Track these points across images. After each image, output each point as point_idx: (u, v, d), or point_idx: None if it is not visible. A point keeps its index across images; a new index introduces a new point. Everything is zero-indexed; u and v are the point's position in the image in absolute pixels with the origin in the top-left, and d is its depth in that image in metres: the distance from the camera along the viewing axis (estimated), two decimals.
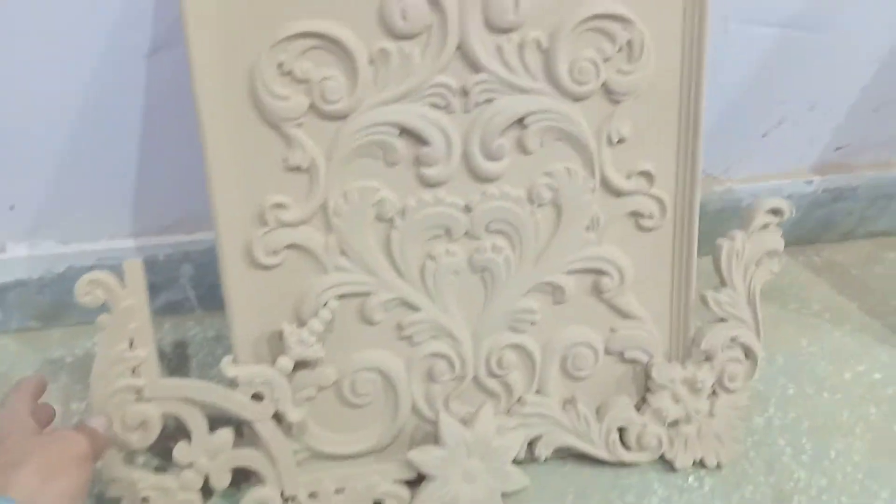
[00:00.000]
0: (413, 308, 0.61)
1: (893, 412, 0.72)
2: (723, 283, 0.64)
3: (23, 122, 0.68)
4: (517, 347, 0.63)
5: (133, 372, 0.57)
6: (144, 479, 0.59)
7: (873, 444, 0.69)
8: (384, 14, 0.53)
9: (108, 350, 0.56)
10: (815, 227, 0.91)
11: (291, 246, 0.57)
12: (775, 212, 0.64)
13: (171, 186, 0.73)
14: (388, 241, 0.58)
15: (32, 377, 0.55)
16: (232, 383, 0.58)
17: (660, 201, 0.61)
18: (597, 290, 0.63)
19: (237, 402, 0.58)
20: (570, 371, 0.65)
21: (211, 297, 0.81)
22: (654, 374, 0.64)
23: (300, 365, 0.59)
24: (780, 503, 0.64)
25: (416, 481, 0.62)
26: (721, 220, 0.86)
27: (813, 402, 0.73)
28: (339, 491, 0.62)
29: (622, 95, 0.58)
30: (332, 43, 0.53)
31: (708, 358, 0.65)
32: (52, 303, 0.78)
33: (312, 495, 0.61)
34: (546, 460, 0.66)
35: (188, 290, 0.79)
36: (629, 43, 0.56)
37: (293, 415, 0.58)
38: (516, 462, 0.63)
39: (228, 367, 0.58)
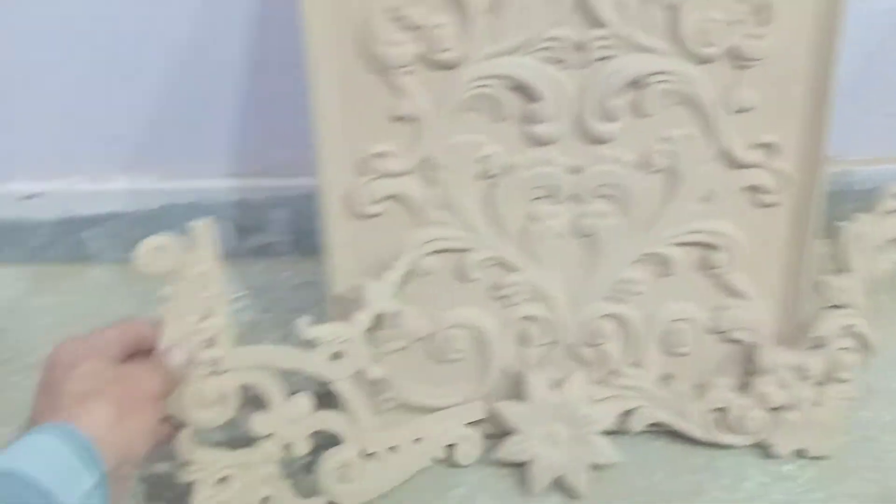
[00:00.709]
0: (511, 269, 0.59)
1: None
2: (841, 268, 0.60)
3: (131, 55, 0.69)
4: (616, 318, 0.61)
5: (208, 343, 0.53)
6: (222, 458, 0.56)
7: None
8: None
9: (177, 323, 0.51)
10: None
11: (392, 196, 0.57)
12: None
13: (272, 130, 0.74)
14: (491, 198, 0.57)
15: (140, 321, 0.51)
16: (309, 344, 0.56)
17: (781, 176, 0.57)
18: (706, 265, 0.60)
19: (316, 364, 0.56)
20: (669, 347, 0.62)
21: (304, 242, 0.81)
22: (759, 356, 0.61)
23: (385, 319, 0.58)
24: (885, 499, 0.60)
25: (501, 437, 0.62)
26: (835, 203, 0.79)
27: None
28: (417, 441, 0.61)
29: (749, 61, 0.54)
30: None
31: (818, 345, 0.61)
32: (146, 238, 0.80)
33: (392, 449, 0.61)
34: (638, 434, 0.64)
35: (282, 234, 0.80)
36: (760, 6, 0.52)
37: (373, 372, 0.57)
38: (606, 432, 0.61)
39: (305, 329, 0.55)
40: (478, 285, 0.60)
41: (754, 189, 0.58)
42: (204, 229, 0.51)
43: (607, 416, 0.61)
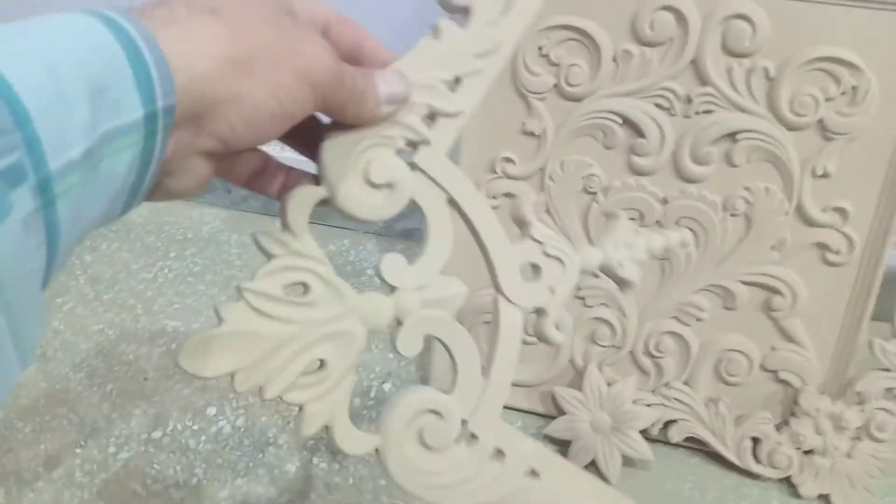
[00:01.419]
0: (592, 274, 0.70)
1: None
2: (894, 333, 0.66)
3: None
4: (677, 337, 0.70)
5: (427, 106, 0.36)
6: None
7: None
8: (636, 21, 0.62)
9: (429, 63, 0.36)
10: None
11: (508, 195, 0.69)
12: None
13: None
14: (588, 211, 0.68)
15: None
16: None
17: (850, 239, 0.65)
18: (767, 307, 0.68)
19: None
20: (721, 374, 0.70)
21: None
22: (801, 400, 0.68)
23: None
24: None
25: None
26: None
27: None
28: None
29: (836, 134, 0.62)
30: (586, 37, 0.63)
31: (861, 402, 0.67)
32: None
33: (499, 453, 0.37)
34: (677, 446, 0.72)
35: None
36: (854, 88, 0.61)
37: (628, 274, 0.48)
38: (648, 438, 0.70)
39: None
40: None
41: (823, 247, 0.65)
42: None
43: (648, 417, 0.70)
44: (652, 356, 0.71)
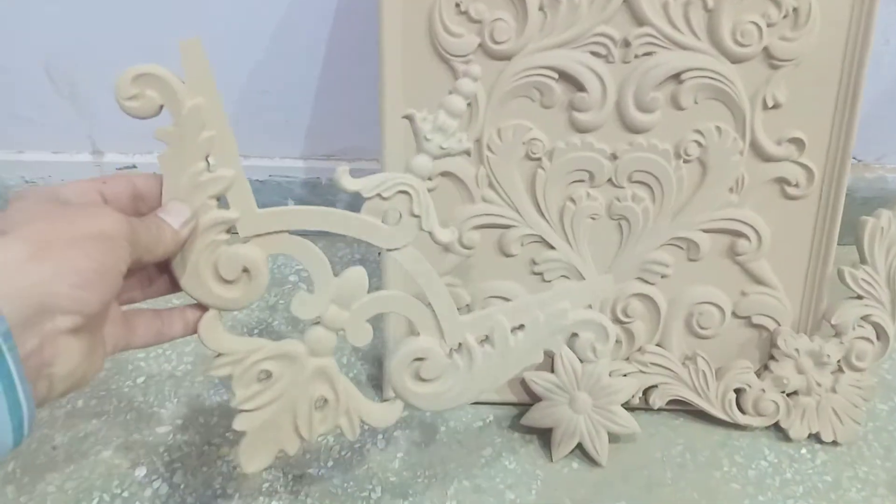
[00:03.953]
0: (549, 246, 0.64)
1: None
2: (862, 260, 0.64)
3: (212, 38, 0.76)
4: (644, 298, 0.66)
5: (218, 202, 0.42)
6: (260, 348, 0.45)
7: None
8: None
9: (177, 174, 0.40)
10: None
11: (446, 173, 0.62)
12: None
13: (343, 116, 0.81)
14: (534, 179, 0.62)
15: (142, 173, 0.42)
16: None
17: (808, 170, 0.61)
18: (732, 252, 0.64)
19: (366, 226, 0.44)
20: (694, 328, 0.67)
21: None
22: (779, 342, 0.65)
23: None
24: (893, 489, 0.64)
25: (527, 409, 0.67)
26: (869, 208, 0.83)
27: None
28: (517, 329, 0.50)
29: (782, 61, 0.58)
30: None
31: (837, 333, 0.65)
32: None
33: (485, 340, 0.49)
34: (659, 411, 0.68)
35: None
36: (795, 10, 0.57)
37: (442, 234, 0.46)
38: (629, 408, 0.66)
39: (344, 178, 0.43)
40: (516, 260, 0.65)
41: (782, 181, 0.62)
42: (192, 47, 0.39)
43: (628, 388, 0.65)
44: (621, 322, 0.67)
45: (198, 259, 0.42)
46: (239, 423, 0.46)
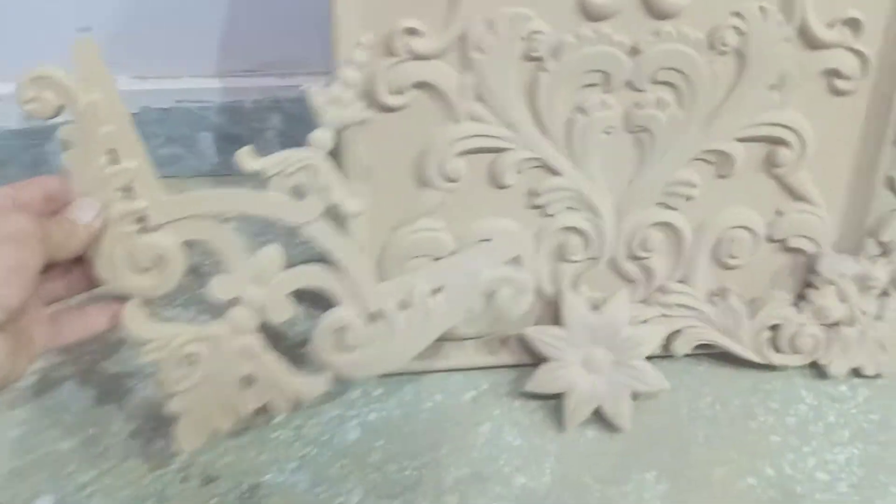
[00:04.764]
0: (552, 171, 0.51)
1: None
2: None
3: None
4: (666, 226, 0.54)
5: (126, 193, 0.43)
6: (183, 332, 0.46)
7: None
8: None
9: (83, 171, 0.42)
10: None
11: (421, 84, 0.47)
12: None
13: (267, 18, 0.63)
14: (535, 85, 0.48)
15: (48, 176, 0.43)
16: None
17: (863, 58, 0.50)
18: (770, 164, 0.53)
19: (273, 204, 0.45)
20: (722, 258, 0.56)
21: None
22: (821, 267, 0.55)
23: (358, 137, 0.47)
24: None
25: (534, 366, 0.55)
26: None
27: None
28: (436, 291, 0.49)
29: None
30: None
31: (885, 252, 0.56)
32: None
33: (404, 303, 0.49)
34: (679, 358, 0.58)
35: (275, 145, 0.69)
36: None
37: (350, 204, 0.46)
38: (648, 357, 0.55)
39: (246, 159, 0.43)
40: (512, 192, 0.52)
41: (832, 74, 0.50)
42: (86, 46, 0.41)
43: (653, 338, 0.55)
44: (638, 258, 0.55)
45: (111, 251, 0.43)
46: (172, 406, 0.47)
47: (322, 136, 0.44)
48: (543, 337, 0.54)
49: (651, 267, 0.55)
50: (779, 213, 0.55)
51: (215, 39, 0.64)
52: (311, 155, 0.44)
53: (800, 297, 0.57)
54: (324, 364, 0.49)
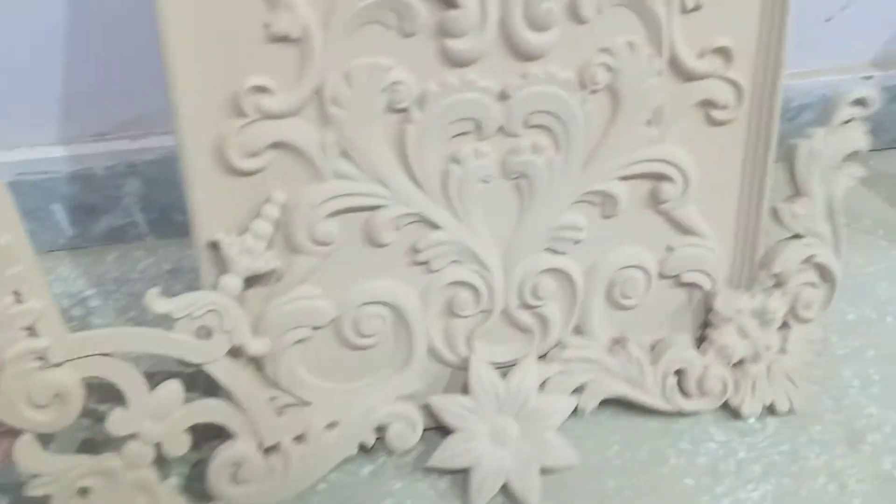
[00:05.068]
0: (431, 226, 0.48)
1: None
2: (798, 191, 0.53)
3: None
4: (556, 272, 0.52)
5: (29, 332, 0.43)
6: (77, 465, 0.46)
7: None
8: None
9: None
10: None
11: (277, 145, 0.44)
12: (861, 102, 0.53)
13: (112, 80, 0.58)
14: (403, 138, 0.45)
15: None
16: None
17: (737, 87, 0.49)
18: (654, 200, 0.51)
19: (178, 344, 0.45)
20: (616, 300, 0.54)
21: (165, 220, 0.66)
22: (717, 304, 0.54)
23: (259, 282, 0.46)
24: (852, 444, 0.55)
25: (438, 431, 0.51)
26: (796, 125, 0.75)
27: (876, 327, 0.64)
28: (331, 426, 0.50)
29: None
30: None
31: (779, 283, 0.54)
32: None
33: (300, 438, 0.49)
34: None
35: (136, 212, 0.64)
36: None
37: (254, 346, 0.46)
38: None
39: (155, 301, 0.44)
40: (392, 250, 0.48)
41: (707, 104, 0.49)
42: None
43: (564, 409, 0.52)
44: (531, 307, 0.52)
45: (10, 387, 0.43)
46: None
47: (230, 283, 0.45)
48: (449, 407, 0.50)
49: (546, 315, 0.52)
50: (669, 248, 0.53)
51: (54, 104, 0.59)
52: (218, 299, 0.45)
53: (701, 337, 0.55)
54: (219, 496, 0.49)
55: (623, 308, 0.54)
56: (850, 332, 0.63)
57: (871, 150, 0.85)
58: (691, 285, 0.55)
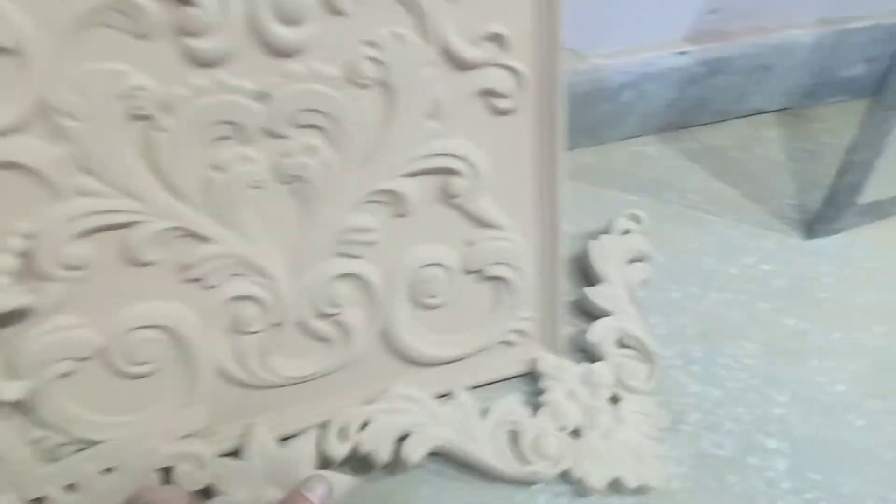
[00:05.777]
0: (200, 239, 0.44)
1: (785, 306, 0.64)
2: (598, 279, 0.55)
3: None
4: (351, 277, 0.49)
5: None
6: None
7: (766, 345, 0.61)
8: None
9: None
10: (691, 108, 0.81)
11: (4, 166, 0.39)
12: (635, 218, 0.66)
13: None
14: (153, 147, 0.41)
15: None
16: None
17: (516, 74, 0.48)
18: (446, 195, 0.49)
19: None
20: (421, 300, 0.51)
21: None
22: (541, 366, 0.54)
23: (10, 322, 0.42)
24: (676, 424, 0.55)
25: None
26: (589, 103, 0.74)
27: (700, 304, 0.64)
28: (109, 471, 0.46)
29: None
30: None
31: (600, 356, 0.55)
32: None
33: (71, 488, 0.45)
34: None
35: None
36: None
37: (6, 392, 0.43)
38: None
39: None
40: (159, 269, 0.44)
41: (488, 94, 0.48)
42: None
43: (341, 485, 0.47)
44: (328, 315, 0.49)
45: None
46: None
47: None
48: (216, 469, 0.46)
49: (345, 322, 0.50)
50: (469, 243, 0.51)
51: None
52: None
53: (535, 406, 0.53)
54: None
55: (430, 308, 0.52)
56: (673, 311, 0.63)
57: (696, 126, 0.87)
58: (499, 279, 0.53)
